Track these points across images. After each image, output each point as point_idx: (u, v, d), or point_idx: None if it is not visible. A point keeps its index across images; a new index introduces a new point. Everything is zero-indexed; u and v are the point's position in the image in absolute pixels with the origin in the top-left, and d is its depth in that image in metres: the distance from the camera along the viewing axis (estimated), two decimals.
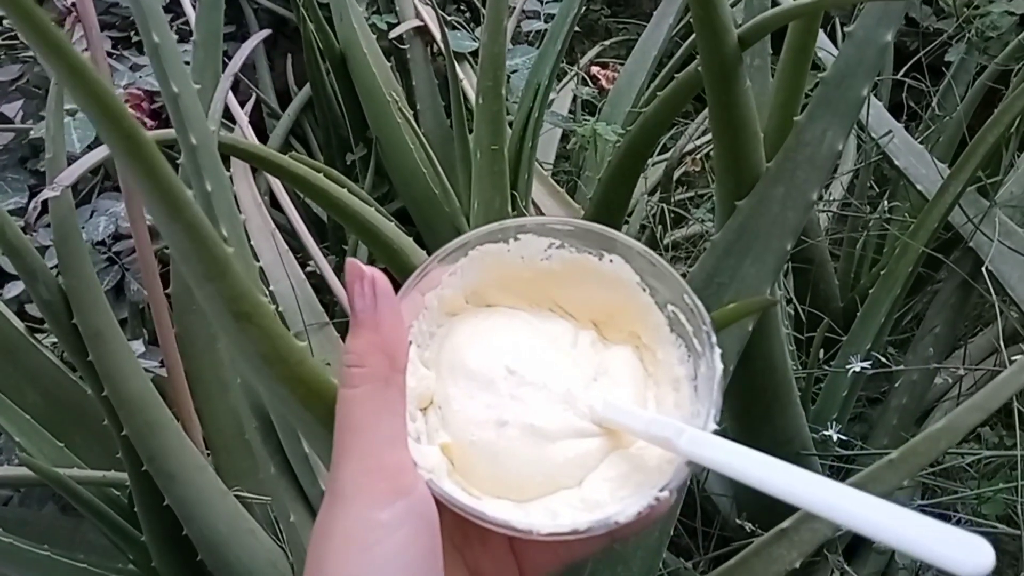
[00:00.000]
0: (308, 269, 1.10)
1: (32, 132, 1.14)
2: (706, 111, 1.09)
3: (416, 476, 0.31)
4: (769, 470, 0.30)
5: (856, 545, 0.94)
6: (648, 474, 0.34)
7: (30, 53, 1.23)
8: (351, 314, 0.32)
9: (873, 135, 0.98)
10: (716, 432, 0.33)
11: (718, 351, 0.35)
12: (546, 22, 1.34)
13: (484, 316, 0.38)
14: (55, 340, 0.81)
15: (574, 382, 0.36)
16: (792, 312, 1.04)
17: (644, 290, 0.37)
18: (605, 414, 0.35)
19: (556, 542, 0.32)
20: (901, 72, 1.14)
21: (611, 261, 0.37)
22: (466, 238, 0.37)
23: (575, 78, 1.46)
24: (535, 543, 0.35)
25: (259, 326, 0.34)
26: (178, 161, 0.60)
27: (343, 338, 1.15)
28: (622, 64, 1.38)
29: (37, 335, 0.83)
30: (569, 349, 0.37)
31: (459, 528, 0.34)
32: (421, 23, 1.28)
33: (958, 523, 0.85)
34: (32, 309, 1.01)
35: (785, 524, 0.63)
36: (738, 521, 0.81)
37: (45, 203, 0.64)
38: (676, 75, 0.81)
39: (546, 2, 1.36)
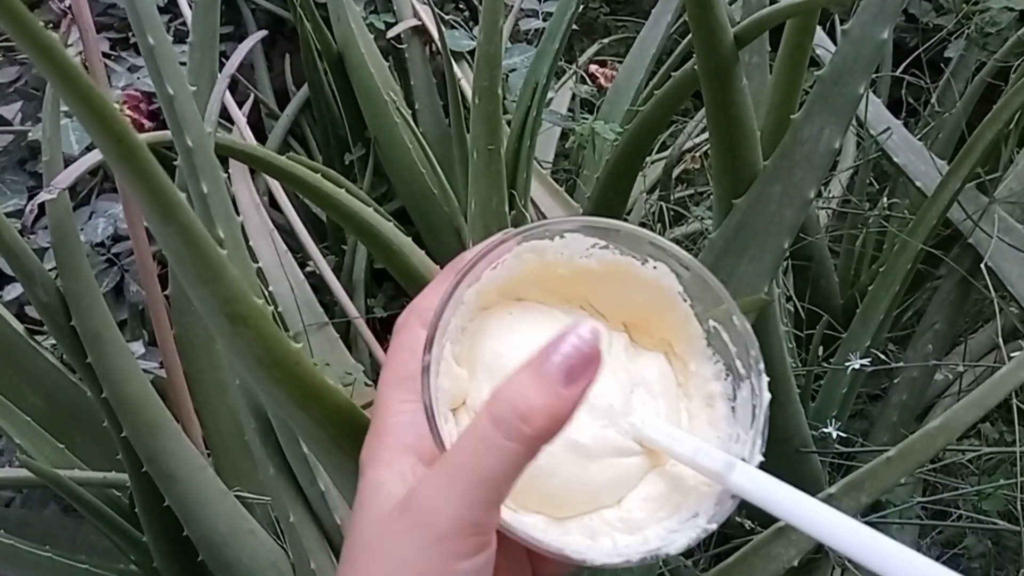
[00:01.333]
0: (307, 269, 1.11)
1: (30, 134, 1.14)
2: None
3: (495, 534, 0.31)
4: (821, 517, 0.29)
5: None
6: (686, 495, 0.33)
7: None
8: (544, 352, 0.30)
9: (872, 132, 0.98)
10: (761, 464, 0.32)
11: (765, 379, 0.33)
12: (544, 20, 1.34)
13: (517, 313, 0.37)
14: (55, 342, 0.81)
15: (615, 396, 0.35)
16: (792, 309, 1.04)
17: (685, 300, 0.36)
18: (647, 433, 0.34)
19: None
20: (900, 68, 1.14)
21: (655, 268, 0.36)
22: (508, 232, 0.35)
23: (574, 76, 1.46)
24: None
25: (254, 328, 0.34)
26: (175, 163, 0.60)
27: (342, 339, 1.15)
28: (621, 62, 1.38)
29: (37, 337, 0.83)
30: (604, 355, 0.37)
31: None
32: (419, 22, 1.27)
33: (958, 519, 0.86)
34: (32, 311, 1.01)
35: (783, 522, 0.63)
36: (738, 519, 0.81)
37: (43, 205, 0.64)
38: (674, 73, 0.81)
39: (544, 0, 1.36)
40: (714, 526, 0.31)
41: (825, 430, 0.83)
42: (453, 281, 0.33)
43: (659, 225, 1.14)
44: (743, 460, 0.32)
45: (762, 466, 0.32)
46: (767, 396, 0.33)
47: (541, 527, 0.32)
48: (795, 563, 0.62)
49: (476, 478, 0.29)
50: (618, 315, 0.38)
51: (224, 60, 0.74)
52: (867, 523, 0.81)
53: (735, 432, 0.34)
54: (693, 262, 0.36)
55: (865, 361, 0.85)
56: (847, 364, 0.86)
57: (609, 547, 0.32)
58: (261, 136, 1.39)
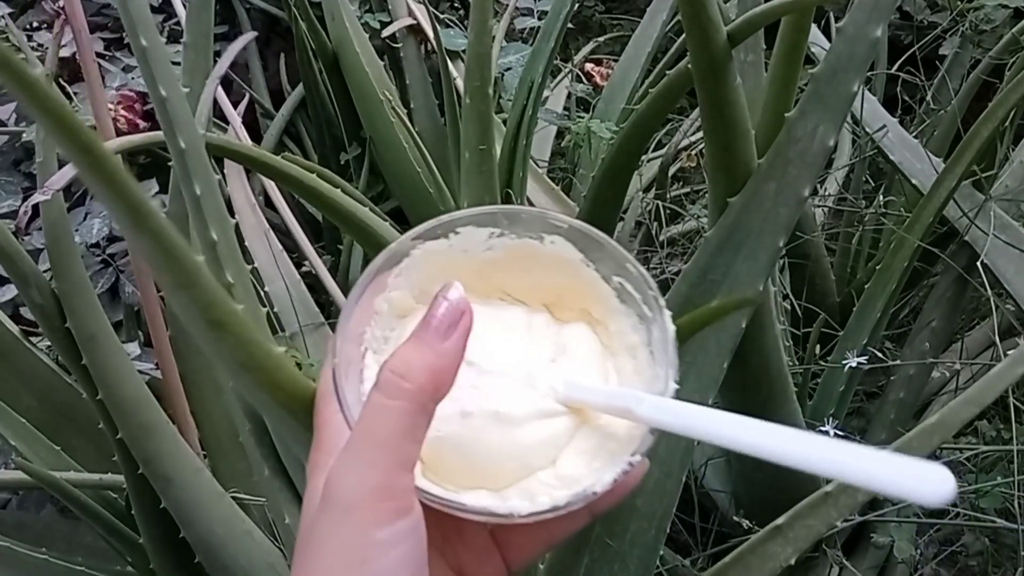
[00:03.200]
0: (303, 269, 1.10)
1: (25, 135, 1.13)
2: None
3: (415, 499, 0.31)
4: (727, 426, 0.31)
5: (855, 540, 0.94)
6: (620, 442, 0.34)
7: (23, 55, 1.22)
8: (421, 325, 0.32)
9: (868, 129, 0.98)
10: (678, 395, 0.33)
11: (667, 313, 0.35)
12: (540, 19, 1.33)
13: None
14: (50, 344, 0.81)
15: (533, 365, 0.36)
16: (788, 307, 1.04)
17: (588, 266, 0.38)
18: (567, 393, 0.35)
19: (537, 525, 0.32)
20: (896, 66, 1.14)
21: (552, 242, 0.38)
22: (405, 238, 0.37)
23: (569, 75, 1.46)
24: (516, 529, 0.35)
25: (233, 334, 0.34)
26: (170, 163, 0.60)
27: None
28: (616, 60, 1.38)
29: (32, 339, 0.83)
30: (525, 333, 0.38)
31: (436, 527, 0.34)
32: (414, 21, 1.27)
33: (955, 517, 0.86)
34: (27, 312, 1.01)
35: (780, 521, 0.63)
36: (735, 518, 0.81)
37: (37, 206, 0.64)
38: (669, 71, 0.80)
39: None
40: (637, 457, 0.33)
41: (822, 428, 0.83)
42: (358, 288, 0.35)
43: (655, 223, 1.14)
44: (660, 394, 0.34)
45: (728, 406, 0.33)
46: (671, 328, 0.35)
47: (482, 499, 0.33)
48: (792, 561, 0.62)
49: (372, 443, 0.30)
50: (536, 297, 0.39)
51: (218, 60, 0.74)
52: (865, 522, 0.80)
53: (656, 372, 0.35)
54: (577, 223, 0.37)
55: (862, 359, 0.85)
56: (844, 362, 0.86)
57: (544, 500, 0.33)
58: (256, 136, 1.39)
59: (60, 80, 1.11)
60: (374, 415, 0.30)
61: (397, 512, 0.30)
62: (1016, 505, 0.77)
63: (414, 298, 0.38)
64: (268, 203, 1.18)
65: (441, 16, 1.33)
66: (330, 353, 0.33)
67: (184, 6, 0.86)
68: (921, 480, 0.26)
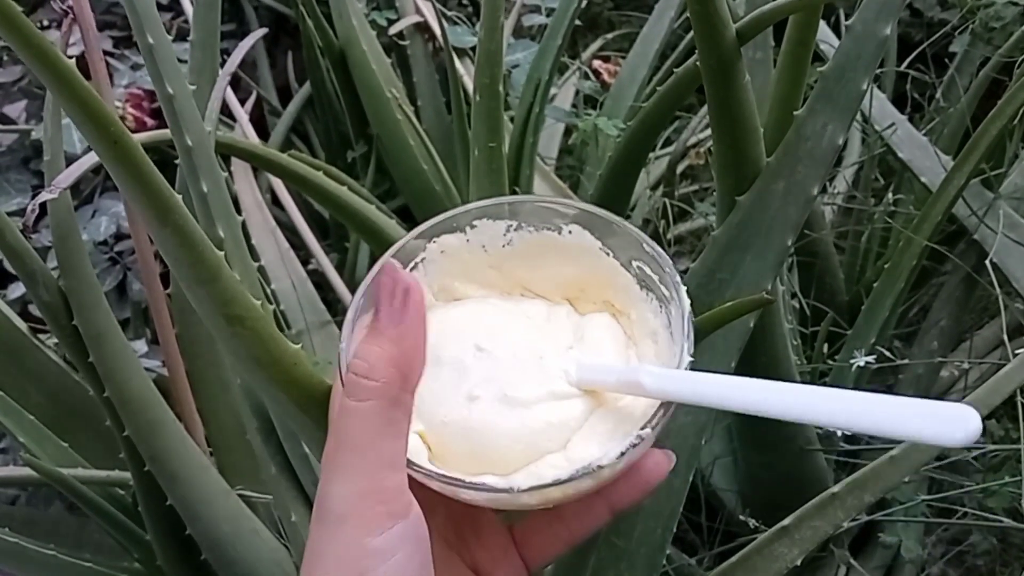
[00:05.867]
0: (310, 267, 1.10)
1: (34, 133, 1.14)
2: None
3: (411, 499, 0.30)
4: (738, 390, 0.30)
5: (862, 539, 0.94)
6: (636, 423, 0.33)
7: None
8: (374, 317, 0.31)
9: (877, 127, 0.97)
10: (693, 366, 0.32)
11: (683, 288, 0.34)
12: (547, 16, 1.33)
13: (453, 307, 0.38)
14: (58, 341, 0.81)
15: (547, 350, 0.35)
16: (796, 306, 1.03)
17: (608, 254, 0.37)
18: (580, 375, 0.35)
19: (555, 521, 0.32)
20: (905, 64, 1.13)
21: (570, 232, 0.37)
22: (420, 230, 0.36)
23: (577, 72, 1.45)
24: (534, 526, 0.35)
25: (251, 329, 0.34)
26: (176, 161, 0.60)
27: None
28: (624, 58, 1.37)
29: (40, 336, 0.83)
30: (543, 324, 0.37)
31: (452, 526, 0.34)
32: (421, 19, 1.27)
33: (963, 517, 0.85)
34: (35, 310, 1.01)
35: (786, 521, 0.62)
36: (742, 517, 0.81)
37: (45, 204, 0.64)
38: (677, 69, 0.80)
39: None
40: (648, 431, 0.32)
41: (830, 428, 0.83)
42: (364, 284, 0.34)
43: (663, 221, 1.14)
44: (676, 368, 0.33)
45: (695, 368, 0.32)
46: (687, 302, 0.34)
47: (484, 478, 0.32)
48: (798, 562, 0.62)
49: (350, 449, 0.29)
50: (557, 291, 0.39)
51: (226, 58, 0.74)
52: (872, 522, 0.80)
53: (674, 352, 0.34)
54: (592, 208, 0.37)
55: (870, 358, 0.85)
56: (852, 361, 0.85)
57: (547, 475, 0.32)
58: (264, 133, 1.39)
59: None
60: (346, 421, 0.29)
61: (390, 516, 0.29)
62: None
63: (433, 295, 0.37)
64: (275, 201, 1.18)
65: (449, 13, 1.33)
66: (343, 352, 0.32)
67: (192, 4, 0.86)
68: (945, 420, 0.24)
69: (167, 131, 0.59)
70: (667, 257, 0.35)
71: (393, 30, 1.28)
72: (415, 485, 0.32)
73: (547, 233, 0.37)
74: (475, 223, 0.37)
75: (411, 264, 0.36)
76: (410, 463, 0.31)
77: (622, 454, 0.31)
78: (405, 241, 0.36)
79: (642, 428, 0.32)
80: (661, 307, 0.36)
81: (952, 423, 0.24)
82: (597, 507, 0.34)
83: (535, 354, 0.35)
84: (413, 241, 0.36)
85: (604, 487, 0.33)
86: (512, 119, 1.02)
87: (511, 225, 0.37)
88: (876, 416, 0.26)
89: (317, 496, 0.30)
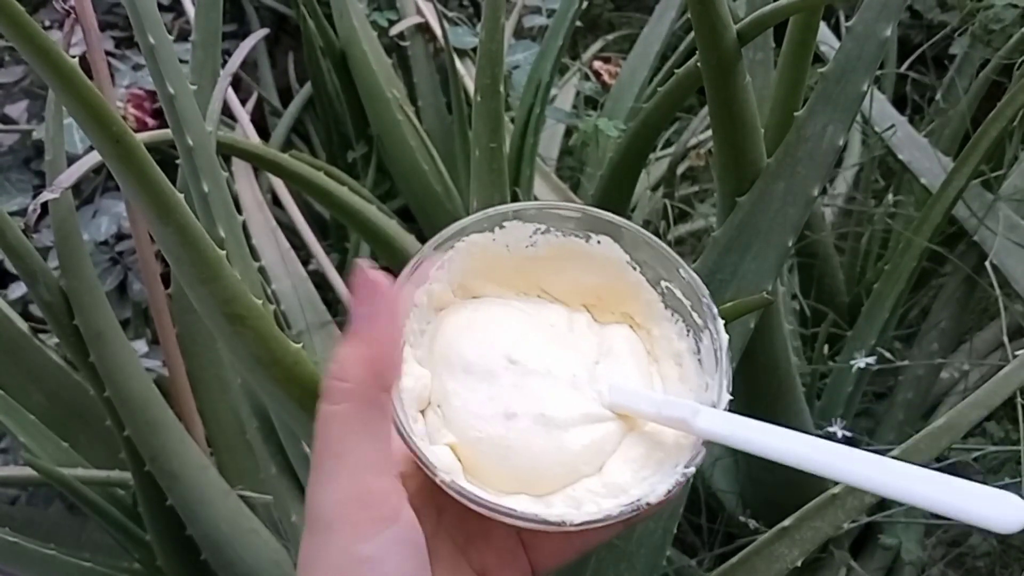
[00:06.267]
0: (310, 267, 1.10)
1: (35, 133, 1.14)
2: None
3: (401, 502, 0.29)
4: (789, 443, 0.30)
5: (862, 541, 0.94)
6: (668, 451, 0.33)
7: None
8: (350, 319, 0.30)
9: (877, 129, 0.97)
10: (730, 404, 0.32)
11: (720, 321, 0.34)
12: (548, 17, 1.33)
13: (473, 307, 0.37)
14: (58, 340, 0.81)
15: (578, 367, 0.35)
16: (797, 307, 1.03)
17: (635, 268, 0.37)
18: (614, 398, 0.34)
19: (574, 532, 0.32)
20: (905, 65, 1.13)
21: (599, 242, 0.37)
22: (456, 228, 0.36)
23: (578, 73, 1.46)
24: (550, 534, 0.34)
25: (252, 328, 0.34)
26: (177, 161, 0.60)
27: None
28: (625, 59, 1.37)
29: (41, 336, 0.83)
30: (566, 333, 0.37)
31: (461, 527, 0.34)
32: (422, 19, 1.27)
33: None
34: (36, 309, 1.01)
35: (786, 522, 0.62)
36: (742, 519, 0.81)
37: (46, 204, 0.64)
38: (677, 70, 0.80)
39: None
40: (692, 470, 0.32)
41: (830, 429, 0.83)
42: (398, 281, 0.33)
43: (664, 222, 1.14)
44: (712, 405, 0.33)
45: (733, 406, 0.32)
46: (725, 338, 0.34)
47: (527, 504, 0.32)
48: (799, 563, 0.62)
49: (331, 455, 0.29)
50: (575, 298, 0.38)
51: (227, 58, 0.74)
52: (872, 523, 0.80)
53: (704, 382, 0.34)
54: (629, 225, 0.36)
55: (871, 359, 0.85)
56: (852, 362, 0.85)
57: (592, 509, 0.32)
58: (264, 133, 1.39)
59: None
60: (324, 426, 0.29)
61: (380, 521, 0.28)
62: None
63: (452, 292, 0.37)
64: (275, 201, 1.19)
65: (449, 14, 1.33)
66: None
67: (193, 4, 0.86)
68: (995, 507, 0.25)
69: (168, 131, 0.59)
70: (703, 286, 0.35)
71: (394, 31, 1.28)
72: (423, 484, 0.31)
73: (574, 240, 0.37)
74: (505, 224, 0.37)
75: (439, 263, 0.36)
76: (459, 488, 0.30)
77: (669, 491, 0.31)
78: (445, 235, 0.36)
79: (686, 466, 0.32)
80: (688, 331, 0.36)
81: (1002, 510, 0.25)
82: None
83: (568, 370, 0.35)
84: (450, 238, 0.36)
85: None
86: (513, 120, 1.03)
87: (539, 228, 0.37)
88: (928, 493, 0.26)
89: (305, 503, 0.29)
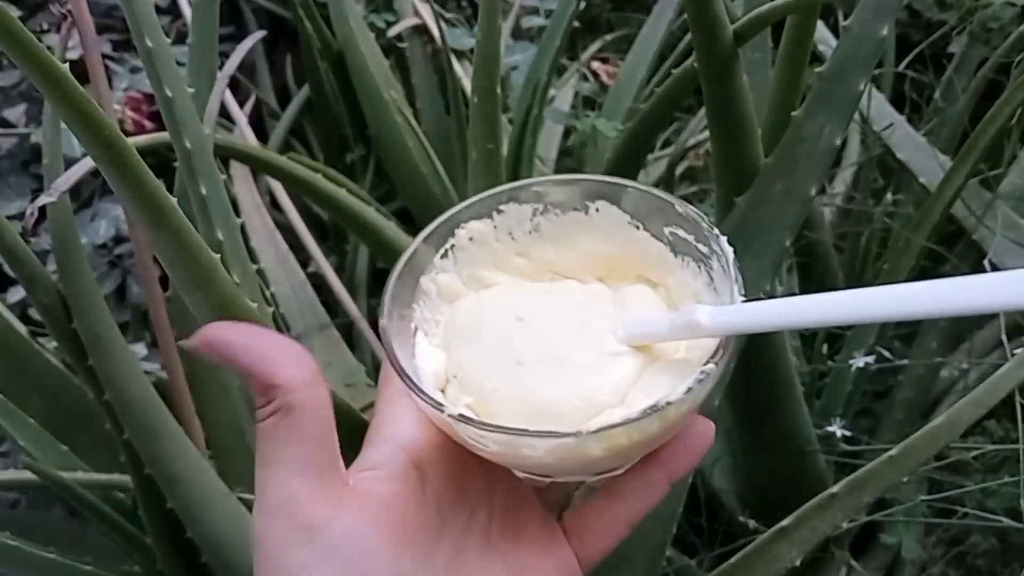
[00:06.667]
0: (309, 270, 1.10)
1: (33, 136, 1.14)
2: None
3: (335, 508, 0.28)
4: (797, 309, 0.29)
5: (863, 540, 0.94)
6: (693, 372, 0.32)
7: None
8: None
9: (875, 128, 0.97)
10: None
11: (723, 238, 0.34)
12: (546, 18, 1.33)
13: (484, 291, 0.37)
14: (57, 344, 0.81)
15: (592, 316, 0.35)
16: None
17: (637, 227, 0.36)
18: (629, 332, 0.34)
19: (615, 499, 0.31)
20: (903, 64, 1.13)
21: (597, 210, 0.37)
22: (448, 215, 0.36)
23: (576, 74, 1.46)
24: (591, 512, 0.34)
25: None
26: (175, 164, 0.60)
27: (344, 339, 1.15)
28: (623, 59, 1.37)
29: (40, 339, 0.83)
30: (580, 296, 0.37)
31: (496, 523, 0.33)
32: (420, 21, 1.27)
33: (963, 517, 0.85)
34: (35, 313, 1.01)
35: (785, 522, 0.63)
36: (742, 518, 0.81)
37: (44, 208, 0.64)
38: (675, 70, 0.80)
39: None
40: (712, 367, 0.31)
41: (830, 428, 0.83)
42: (399, 266, 0.34)
43: None
44: None
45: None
46: (729, 249, 0.33)
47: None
48: (798, 563, 0.62)
49: (260, 464, 0.29)
50: (587, 272, 0.38)
51: (225, 60, 0.74)
52: (872, 522, 0.80)
53: (721, 302, 0.34)
54: (621, 180, 0.36)
55: (870, 359, 0.85)
56: (852, 362, 0.85)
57: (612, 416, 0.31)
58: (263, 135, 1.39)
59: None
60: (257, 444, 0.29)
61: (303, 530, 0.28)
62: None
63: (463, 283, 0.37)
64: (274, 204, 1.19)
65: (447, 15, 1.33)
66: (380, 327, 0.32)
67: (190, 6, 0.86)
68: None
69: (166, 134, 0.59)
70: (702, 214, 0.35)
71: (392, 32, 1.28)
72: (449, 475, 0.31)
73: (573, 214, 0.37)
74: (502, 207, 0.37)
75: (441, 251, 0.36)
76: (467, 419, 0.30)
77: (689, 390, 0.30)
78: (436, 225, 0.36)
79: (705, 364, 0.31)
80: (700, 267, 0.35)
81: None
82: (656, 478, 0.33)
83: (579, 318, 0.34)
84: (443, 225, 0.36)
85: (661, 451, 0.33)
86: (511, 121, 1.03)
87: (537, 208, 0.37)
88: (966, 297, 0.25)
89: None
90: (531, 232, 0.37)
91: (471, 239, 0.36)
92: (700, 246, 0.35)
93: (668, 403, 0.29)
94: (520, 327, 0.34)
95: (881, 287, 0.27)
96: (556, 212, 0.37)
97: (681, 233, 0.35)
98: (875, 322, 0.28)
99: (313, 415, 0.29)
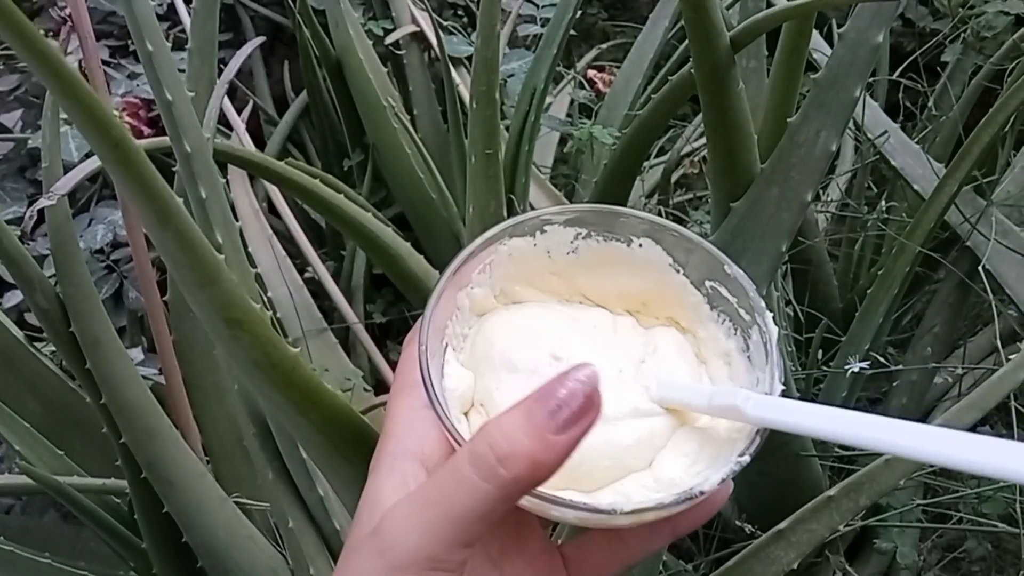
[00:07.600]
0: (306, 275, 1.11)
1: (30, 141, 1.14)
2: None
3: (463, 569, 0.29)
4: (841, 423, 0.29)
5: (858, 545, 0.94)
6: (720, 446, 0.32)
7: None
8: (539, 393, 0.28)
9: (870, 135, 0.98)
10: (783, 393, 0.32)
11: (768, 315, 0.33)
12: (542, 26, 1.34)
13: (515, 310, 0.37)
14: (54, 348, 0.81)
15: (626, 365, 0.34)
16: (791, 313, 1.04)
17: (678, 271, 0.36)
18: (662, 392, 0.34)
19: (615, 541, 0.31)
20: (897, 72, 1.14)
21: (640, 245, 0.36)
22: (495, 231, 0.35)
23: (572, 81, 1.46)
24: (591, 546, 0.33)
25: (251, 333, 0.34)
26: (174, 169, 0.60)
27: (341, 344, 1.15)
28: (619, 67, 1.38)
29: (36, 343, 0.83)
30: (611, 334, 0.36)
31: (497, 542, 0.33)
32: (417, 28, 1.28)
33: (958, 522, 0.86)
34: (32, 318, 1.01)
35: (782, 525, 0.63)
36: (738, 523, 0.81)
37: (42, 212, 0.64)
38: (671, 78, 0.81)
39: (542, 6, 1.36)
40: (746, 458, 0.30)
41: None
42: (442, 281, 0.33)
43: None
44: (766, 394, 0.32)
45: (784, 396, 0.31)
46: (774, 329, 0.33)
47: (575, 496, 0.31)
48: (794, 566, 0.62)
49: (442, 514, 0.28)
50: (618, 303, 0.38)
51: (223, 67, 0.74)
52: (868, 528, 0.80)
53: (755, 377, 0.33)
54: (671, 226, 0.36)
55: (864, 364, 0.85)
56: (847, 367, 0.86)
57: (643, 497, 0.31)
58: (260, 142, 1.40)
59: None
60: (456, 487, 0.28)
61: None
62: (1018, 510, 0.77)
63: (494, 296, 0.37)
64: (271, 209, 1.19)
65: (444, 23, 1.34)
66: (419, 344, 0.32)
67: (189, 14, 0.86)
68: None
69: (164, 139, 0.60)
70: (750, 281, 0.34)
71: (389, 39, 1.28)
72: None
73: (615, 244, 0.36)
74: (546, 228, 0.36)
75: (481, 266, 0.36)
76: None
77: (723, 480, 0.30)
78: (491, 235, 0.35)
79: (740, 455, 0.30)
80: (736, 330, 0.35)
81: None
82: (661, 530, 0.33)
83: (613, 366, 0.34)
84: (488, 241, 0.35)
85: None
86: (508, 128, 1.03)
87: (580, 233, 0.36)
88: (983, 458, 0.25)
89: (384, 516, 0.29)
90: (569, 254, 0.37)
91: (510, 255, 0.36)
92: (742, 312, 0.35)
93: (702, 492, 0.30)
94: (555, 370, 0.32)
95: (940, 429, 0.27)
96: (599, 239, 0.37)
97: (723, 292, 0.35)
98: (921, 462, 0.27)
99: (506, 509, 0.28)
